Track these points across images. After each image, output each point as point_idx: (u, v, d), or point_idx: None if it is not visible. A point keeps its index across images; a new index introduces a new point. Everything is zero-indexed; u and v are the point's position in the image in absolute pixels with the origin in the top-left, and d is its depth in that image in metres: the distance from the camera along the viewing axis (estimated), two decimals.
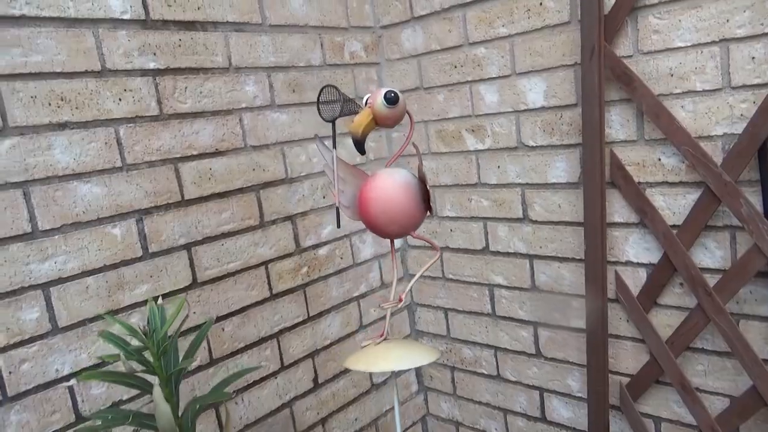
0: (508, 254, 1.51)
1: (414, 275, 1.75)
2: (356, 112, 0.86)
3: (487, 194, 1.52)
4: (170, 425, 0.81)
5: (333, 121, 0.88)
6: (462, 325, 1.67)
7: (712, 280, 1.14)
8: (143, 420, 0.87)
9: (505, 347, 1.58)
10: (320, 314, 1.51)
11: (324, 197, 1.50)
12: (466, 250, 1.60)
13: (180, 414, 0.92)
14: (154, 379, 0.88)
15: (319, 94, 0.88)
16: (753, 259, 1.07)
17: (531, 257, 1.46)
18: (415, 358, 0.92)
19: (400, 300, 0.98)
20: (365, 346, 0.96)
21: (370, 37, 1.63)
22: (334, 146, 0.90)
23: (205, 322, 1.02)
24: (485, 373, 1.65)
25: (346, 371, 1.58)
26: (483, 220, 1.54)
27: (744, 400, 1.13)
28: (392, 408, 1.73)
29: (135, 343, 0.85)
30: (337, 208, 0.93)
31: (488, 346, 1.62)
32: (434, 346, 1.64)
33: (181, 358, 0.93)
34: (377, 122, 0.86)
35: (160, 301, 0.92)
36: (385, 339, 0.97)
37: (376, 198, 0.88)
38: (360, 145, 0.85)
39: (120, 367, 0.87)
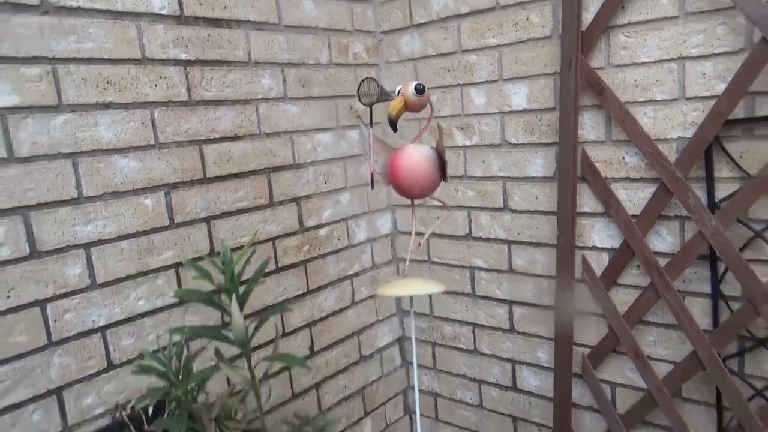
0: (488, 240, 1.69)
1: (402, 258, 1.92)
2: (388, 99, 1.05)
3: (472, 185, 1.69)
4: (243, 333, 1.05)
5: (370, 106, 1.06)
6: (444, 304, 1.84)
7: (663, 262, 1.33)
8: (218, 333, 1.11)
9: (482, 324, 1.76)
10: (318, 288, 1.66)
11: (326, 183, 1.66)
12: (450, 236, 1.77)
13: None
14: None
15: (360, 84, 1.06)
16: (696, 245, 1.26)
17: (509, 243, 1.64)
18: (430, 287, 1.23)
19: (419, 246, 1.21)
20: (391, 281, 1.18)
21: (371, 40, 1.79)
22: (371, 125, 1.08)
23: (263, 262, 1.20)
24: (463, 347, 1.82)
25: (339, 342, 1.74)
26: (467, 209, 1.72)
27: (685, 365, 1.32)
28: (378, 379, 1.89)
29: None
30: (372, 174, 1.13)
31: (467, 323, 1.80)
32: (441, 282, 1.81)
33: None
34: (407, 107, 1.09)
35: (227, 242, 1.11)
36: (405, 276, 1.23)
37: (404, 167, 1.11)
38: (393, 124, 1.10)
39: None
